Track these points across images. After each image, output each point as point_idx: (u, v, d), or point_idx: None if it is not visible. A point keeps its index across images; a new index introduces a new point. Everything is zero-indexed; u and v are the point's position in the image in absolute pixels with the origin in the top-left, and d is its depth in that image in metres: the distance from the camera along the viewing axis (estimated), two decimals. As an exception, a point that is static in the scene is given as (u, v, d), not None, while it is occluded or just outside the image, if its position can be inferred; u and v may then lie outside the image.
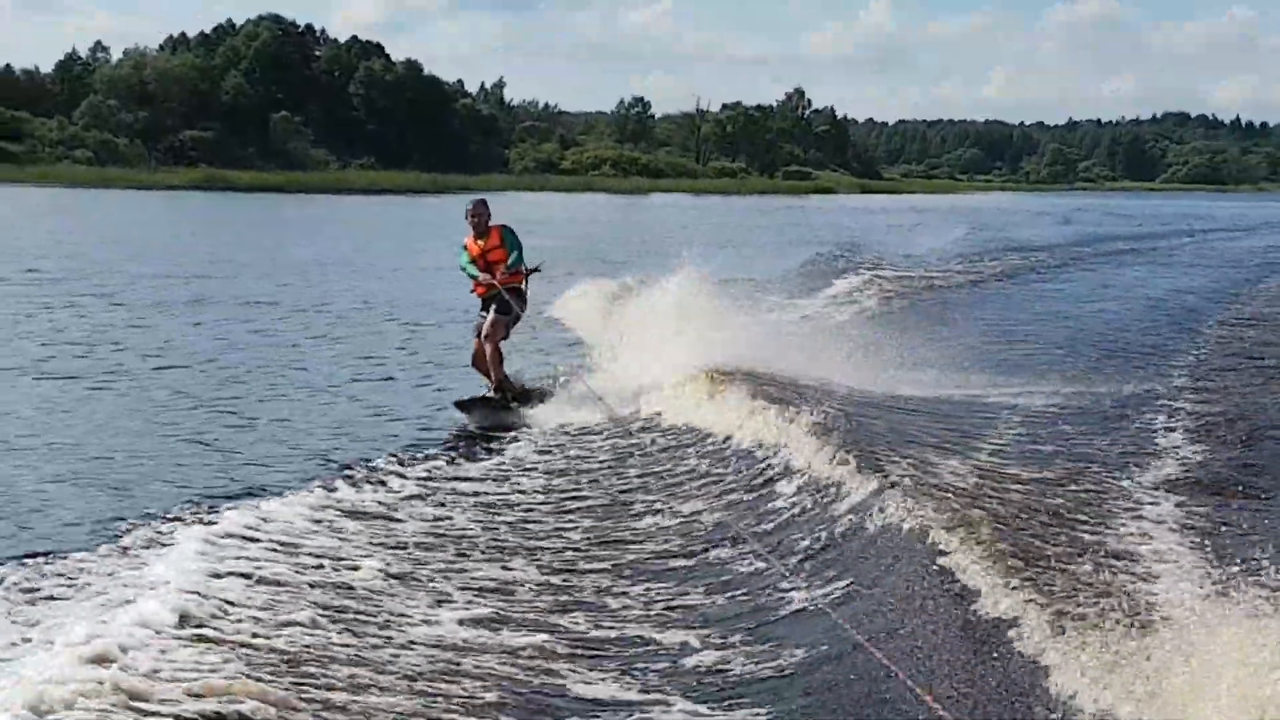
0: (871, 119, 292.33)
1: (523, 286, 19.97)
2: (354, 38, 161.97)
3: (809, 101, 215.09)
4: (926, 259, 49.74)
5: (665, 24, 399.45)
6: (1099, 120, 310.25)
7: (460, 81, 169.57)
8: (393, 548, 12.39)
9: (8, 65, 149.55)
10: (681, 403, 18.84)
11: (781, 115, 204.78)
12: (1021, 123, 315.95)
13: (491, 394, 19.62)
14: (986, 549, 10.62)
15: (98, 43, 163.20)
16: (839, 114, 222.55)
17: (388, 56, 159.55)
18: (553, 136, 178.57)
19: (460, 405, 19.40)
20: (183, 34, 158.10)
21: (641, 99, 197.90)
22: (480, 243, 19.75)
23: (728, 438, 16.77)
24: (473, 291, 20.17)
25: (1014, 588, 9.78)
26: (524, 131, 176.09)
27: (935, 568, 10.61)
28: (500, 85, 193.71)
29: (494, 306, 19.74)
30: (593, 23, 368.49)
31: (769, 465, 15.17)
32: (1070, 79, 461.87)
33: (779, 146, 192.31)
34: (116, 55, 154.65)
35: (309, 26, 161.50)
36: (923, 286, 39.36)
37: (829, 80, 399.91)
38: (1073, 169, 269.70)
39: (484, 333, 19.77)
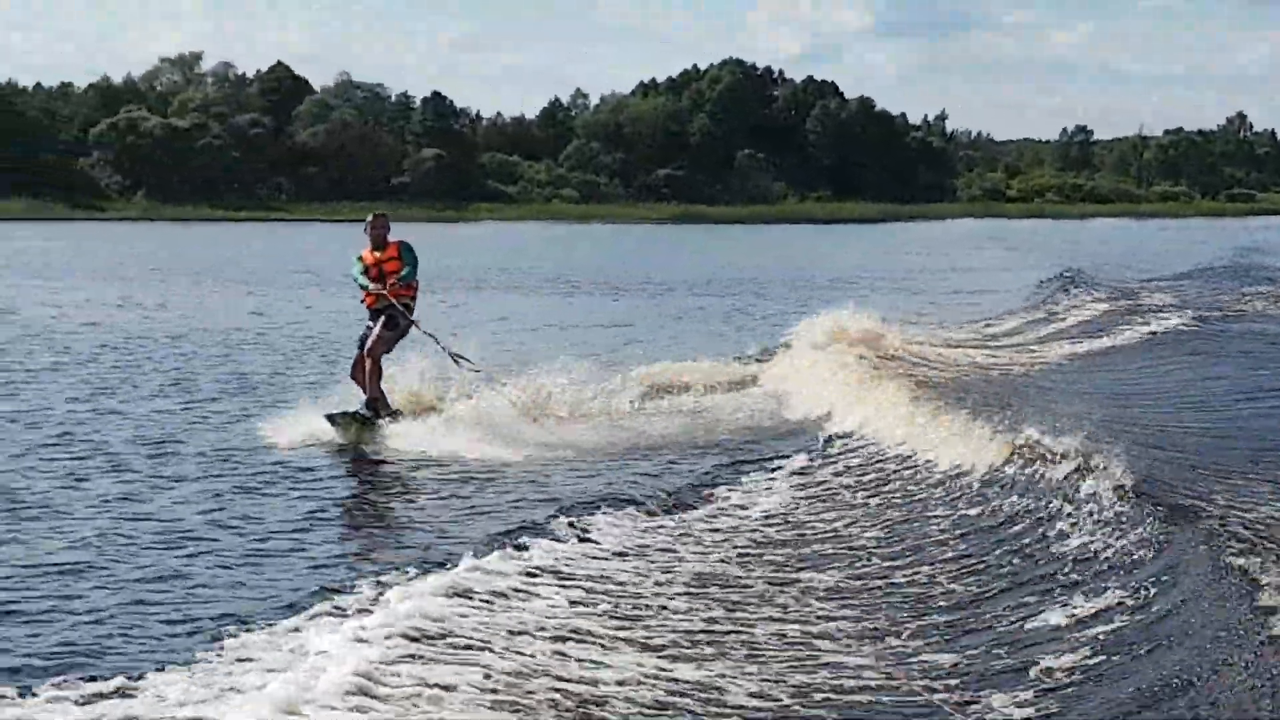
0: None
1: (412, 302, 19.88)
2: (809, 77, 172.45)
3: (1250, 124, 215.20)
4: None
5: (1090, 44, 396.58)
6: None
7: (904, 115, 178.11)
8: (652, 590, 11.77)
9: (498, 113, 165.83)
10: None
11: (1223, 139, 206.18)
12: None
13: (364, 410, 19.25)
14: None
15: (577, 90, 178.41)
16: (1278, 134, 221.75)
17: (842, 95, 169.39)
18: (997, 166, 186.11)
19: (330, 419, 18.83)
20: (653, 79, 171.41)
21: (1083, 127, 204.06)
22: (376, 254, 19.77)
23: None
24: (362, 302, 20.13)
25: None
26: (968, 161, 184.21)
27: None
28: (943, 118, 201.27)
29: (381, 320, 19.71)
30: (1016, 46, 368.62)
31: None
32: None
33: (1221, 170, 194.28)
34: (594, 101, 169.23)
35: (767, 69, 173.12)
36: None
37: (1266, 95, 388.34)
38: None
39: (366, 346, 19.63)
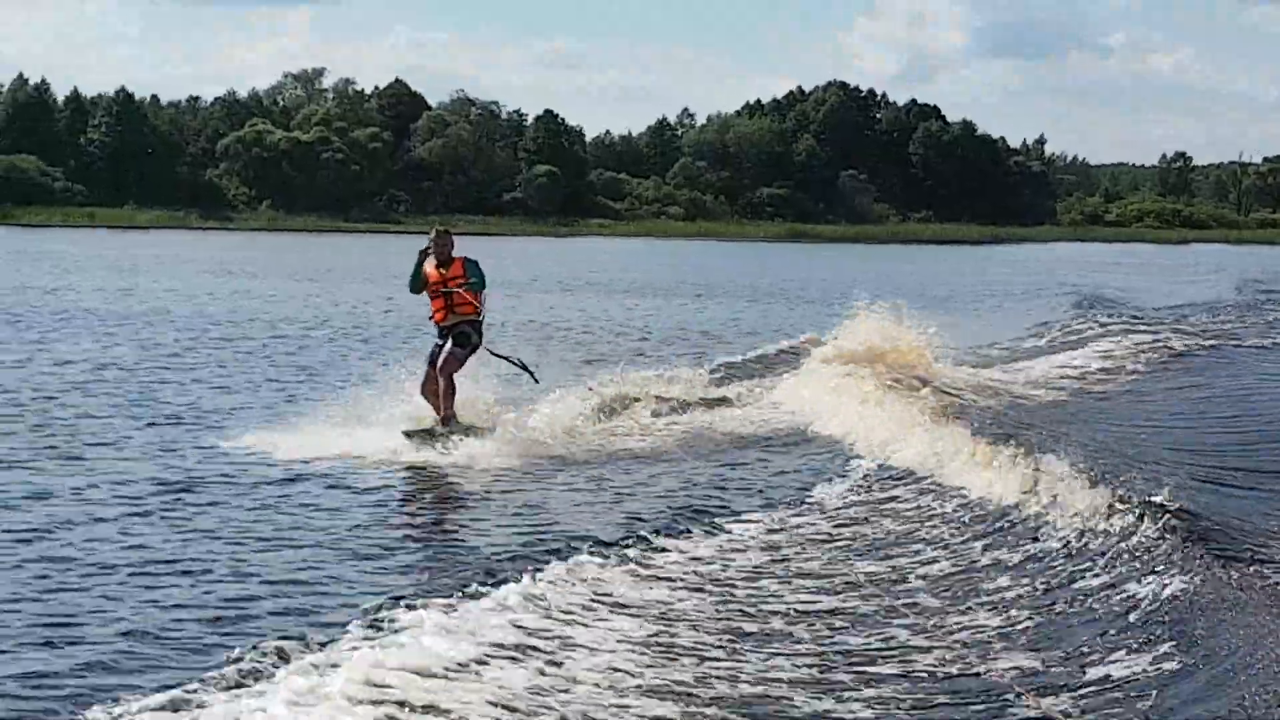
0: None
1: (480, 318, 19.50)
2: (913, 100, 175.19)
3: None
4: None
5: (1191, 67, 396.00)
6: None
7: (1003, 138, 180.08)
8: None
9: (607, 131, 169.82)
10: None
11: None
12: None
13: (439, 428, 18.88)
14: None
15: (684, 109, 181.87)
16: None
17: (944, 118, 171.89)
18: (1096, 190, 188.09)
19: (408, 435, 18.67)
20: (758, 100, 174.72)
21: (1183, 154, 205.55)
22: (441, 270, 19.33)
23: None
24: (430, 319, 19.71)
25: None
26: (1069, 186, 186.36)
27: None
28: (1041, 141, 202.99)
29: (451, 338, 19.26)
30: (1115, 69, 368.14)
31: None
32: None
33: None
34: (700, 121, 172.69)
35: (870, 91, 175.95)
36: None
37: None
38: None
39: (439, 364, 19.16)
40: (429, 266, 19.31)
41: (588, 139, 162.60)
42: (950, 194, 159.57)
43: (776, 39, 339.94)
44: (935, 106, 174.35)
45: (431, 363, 19.29)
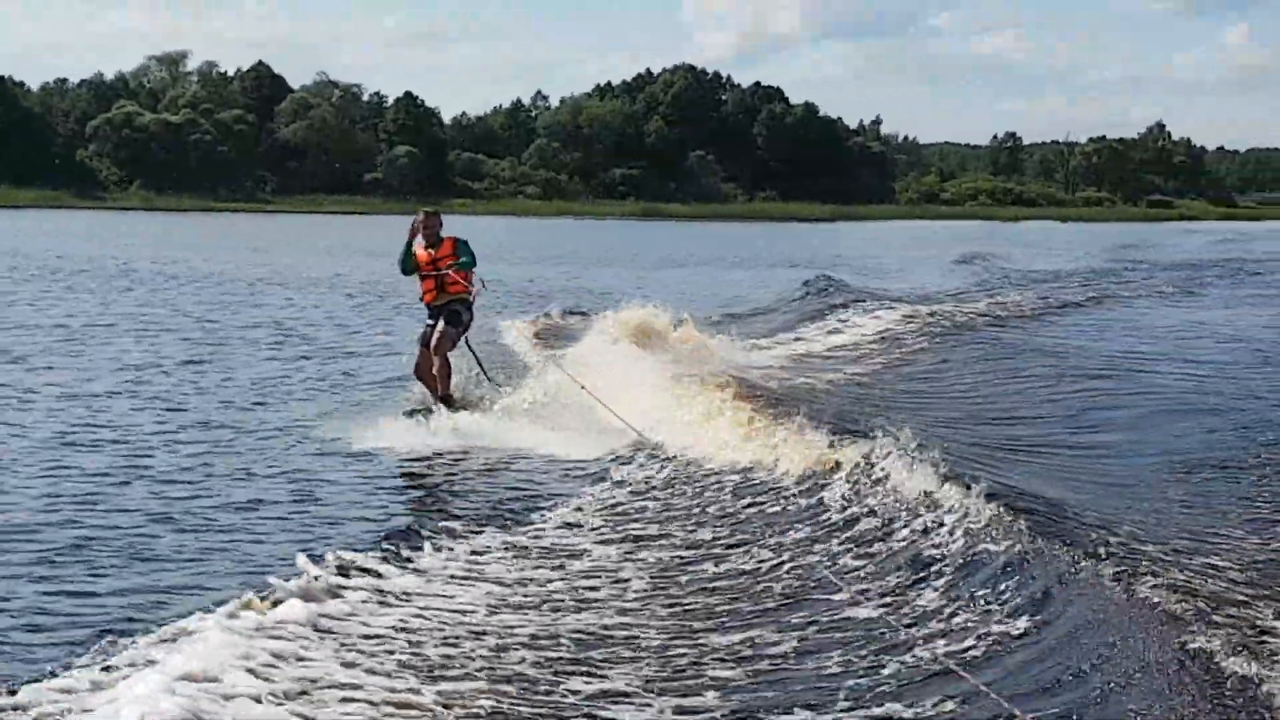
0: (1222, 147, 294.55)
1: (470, 297, 19.20)
2: (756, 84, 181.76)
3: (1169, 134, 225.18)
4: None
5: (1021, 48, 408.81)
6: None
7: (840, 119, 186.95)
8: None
9: (463, 113, 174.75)
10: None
11: (1143, 147, 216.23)
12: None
13: (436, 407, 18.57)
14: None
15: (538, 92, 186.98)
16: (1194, 143, 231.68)
17: (787, 100, 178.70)
18: (929, 169, 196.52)
19: (410, 415, 18.48)
20: (609, 83, 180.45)
21: (1013, 134, 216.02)
22: (431, 251, 19.15)
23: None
24: (421, 300, 19.47)
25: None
26: (905, 166, 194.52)
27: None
28: (878, 122, 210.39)
29: (443, 317, 19.02)
30: (945, 48, 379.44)
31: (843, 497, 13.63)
32: None
33: (1141, 177, 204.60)
34: (554, 103, 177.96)
35: (716, 74, 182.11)
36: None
37: (1186, 105, 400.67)
38: None
39: (432, 344, 18.87)
40: (418, 248, 19.21)
41: (446, 120, 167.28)
42: (794, 174, 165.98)
43: (618, 17, 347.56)
44: (778, 89, 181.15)
45: (424, 343, 19.12)
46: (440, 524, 12.92)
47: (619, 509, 14.14)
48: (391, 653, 9.39)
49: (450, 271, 19.02)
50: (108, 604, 10.49)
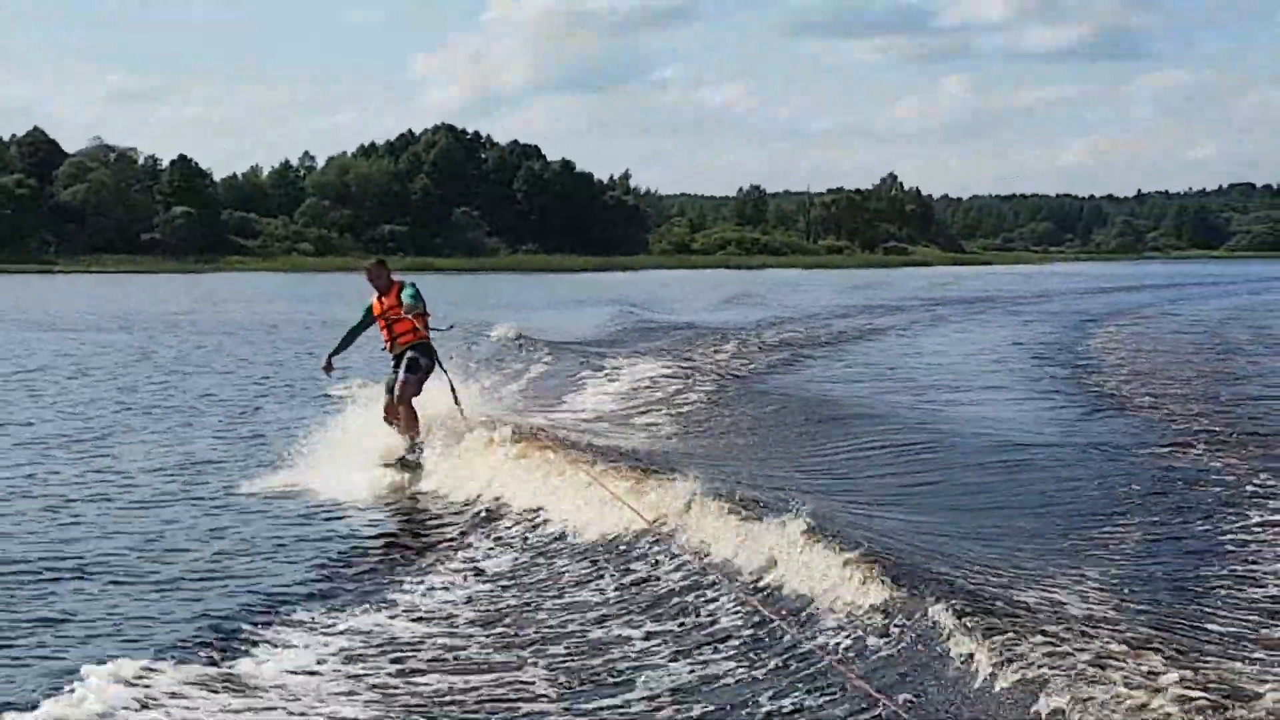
0: (947, 195, 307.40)
1: (429, 340, 19.55)
2: (514, 141, 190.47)
3: (901, 184, 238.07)
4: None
5: (745, 101, 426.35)
6: (1166, 192, 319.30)
7: (591, 174, 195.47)
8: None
9: (234, 173, 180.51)
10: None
11: (877, 196, 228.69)
12: (1091, 195, 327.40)
13: (408, 455, 19.06)
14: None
15: (305, 152, 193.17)
16: (923, 191, 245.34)
17: (544, 157, 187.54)
18: (671, 221, 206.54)
19: (387, 466, 18.87)
20: (373, 143, 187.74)
21: (758, 187, 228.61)
22: (384, 300, 19.55)
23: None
24: (384, 349, 19.80)
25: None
26: (658, 217, 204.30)
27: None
28: (627, 176, 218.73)
29: (403, 365, 19.37)
30: (672, 102, 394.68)
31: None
32: (1152, 149, 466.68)
33: (877, 225, 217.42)
34: (321, 162, 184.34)
35: (476, 133, 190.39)
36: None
37: (911, 153, 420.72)
38: (1141, 239, 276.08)
39: (395, 394, 19.36)
40: (373, 300, 19.66)
41: (218, 180, 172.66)
42: (554, 227, 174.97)
43: (347, 75, 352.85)
44: (536, 146, 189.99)
45: (389, 390, 19.59)
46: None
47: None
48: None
49: (403, 319, 19.37)
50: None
